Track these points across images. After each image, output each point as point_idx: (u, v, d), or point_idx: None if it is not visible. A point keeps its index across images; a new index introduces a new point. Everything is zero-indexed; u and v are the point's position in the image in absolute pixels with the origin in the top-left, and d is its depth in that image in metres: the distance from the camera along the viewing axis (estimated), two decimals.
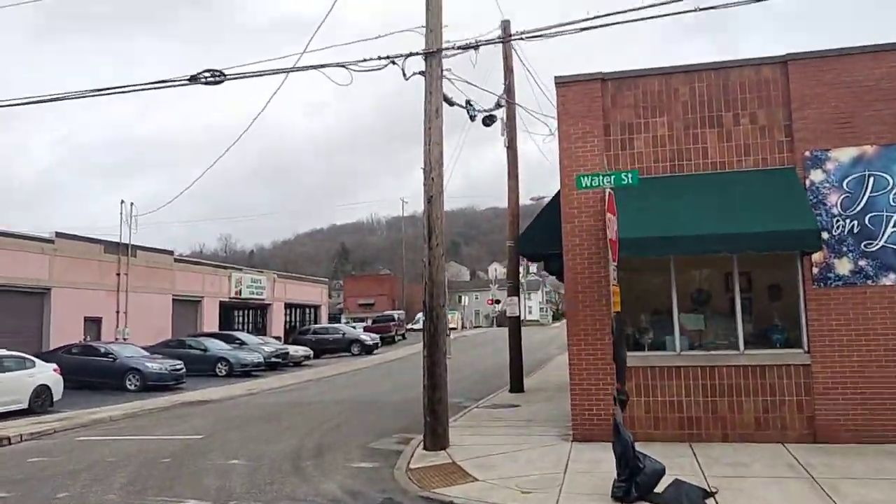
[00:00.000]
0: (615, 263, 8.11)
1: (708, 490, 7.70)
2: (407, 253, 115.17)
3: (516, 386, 17.91)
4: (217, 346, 28.77)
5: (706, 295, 11.28)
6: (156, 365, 23.55)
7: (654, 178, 10.83)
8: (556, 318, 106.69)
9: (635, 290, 11.28)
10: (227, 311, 45.09)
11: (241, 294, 38.19)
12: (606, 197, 8.22)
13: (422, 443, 10.97)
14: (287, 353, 31.94)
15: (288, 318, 48.98)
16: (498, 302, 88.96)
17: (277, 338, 39.91)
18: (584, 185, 8.53)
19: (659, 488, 7.55)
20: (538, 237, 12.79)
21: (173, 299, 33.08)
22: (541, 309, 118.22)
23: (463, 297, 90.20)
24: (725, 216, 10.15)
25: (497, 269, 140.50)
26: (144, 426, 15.33)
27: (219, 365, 27.93)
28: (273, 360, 30.58)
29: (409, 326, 67.54)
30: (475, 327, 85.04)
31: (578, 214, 11.14)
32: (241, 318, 46.76)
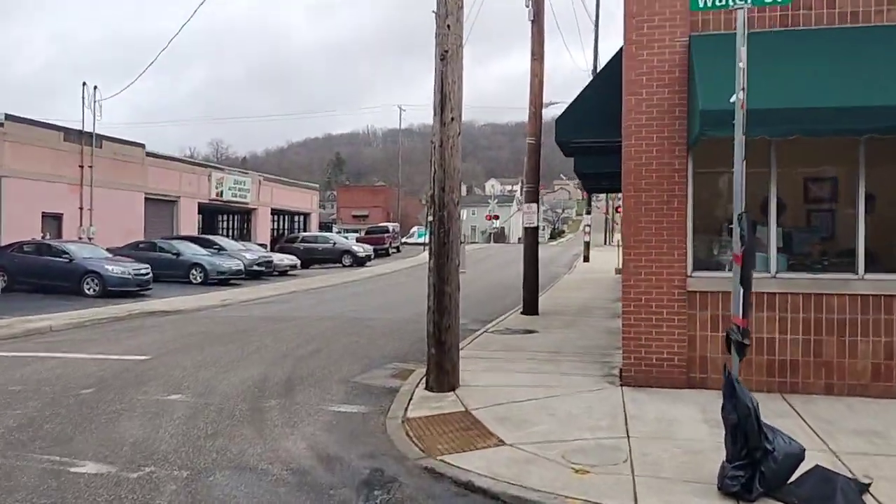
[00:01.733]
0: (742, 133, 5.19)
1: (859, 480, 5.10)
2: (403, 165, 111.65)
3: (530, 307, 15.31)
4: (192, 251, 26.03)
5: (818, 196, 8.46)
6: (118, 268, 20.83)
7: (758, 33, 7.76)
8: (552, 236, 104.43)
9: (713, 190, 8.45)
10: (209, 215, 42.24)
11: (222, 196, 35.17)
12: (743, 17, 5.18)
13: (423, 380, 8.36)
14: (271, 261, 29.27)
15: (275, 226, 46.22)
16: (497, 217, 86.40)
17: (263, 245, 37.19)
18: (700, 3, 5.48)
19: (792, 478, 4.93)
20: (583, 121, 9.79)
21: (146, 198, 30.08)
22: (538, 226, 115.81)
23: (462, 212, 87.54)
24: (858, 84, 7.18)
25: (495, 186, 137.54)
26: (84, 341, 12.70)
27: (193, 271, 25.30)
28: (255, 268, 27.96)
29: (404, 240, 65.15)
30: (471, 243, 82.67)
31: (648, 84, 8.12)
32: (223, 224, 43.95)
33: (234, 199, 36.38)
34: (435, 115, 8.16)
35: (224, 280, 25.68)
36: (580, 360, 9.87)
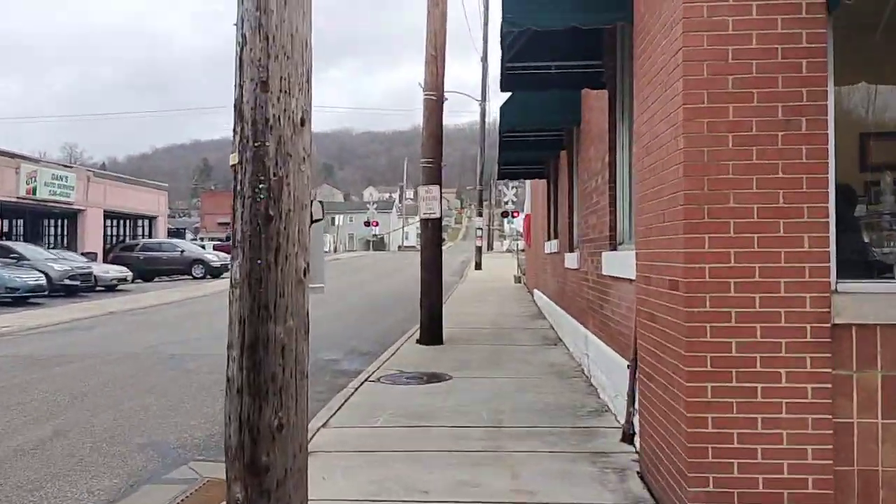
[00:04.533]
0: None
1: None
2: None
3: (431, 334, 10.74)
4: None
5: None
6: None
7: None
8: None
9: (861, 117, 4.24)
10: (28, 219, 34.73)
11: (35, 193, 28.11)
12: None
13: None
14: (90, 273, 22.96)
15: (113, 232, 39.06)
16: (377, 224, 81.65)
17: (91, 254, 30.40)
18: None
19: None
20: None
21: None
22: (417, 235, 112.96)
23: (336, 219, 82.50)
24: None
25: (373, 193, 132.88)
26: None
27: None
28: (67, 282, 21.70)
29: None
30: (348, 251, 77.58)
31: None
32: (48, 229, 36.41)
33: (53, 197, 29.31)
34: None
35: (19, 299, 19.36)
36: (549, 448, 5.36)
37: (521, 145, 10.94)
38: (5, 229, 34.05)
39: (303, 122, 3.49)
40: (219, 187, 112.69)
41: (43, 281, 19.93)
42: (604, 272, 6.73)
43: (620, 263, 6.04)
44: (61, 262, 22.42)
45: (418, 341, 10.87)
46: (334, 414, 6.38)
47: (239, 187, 3.39)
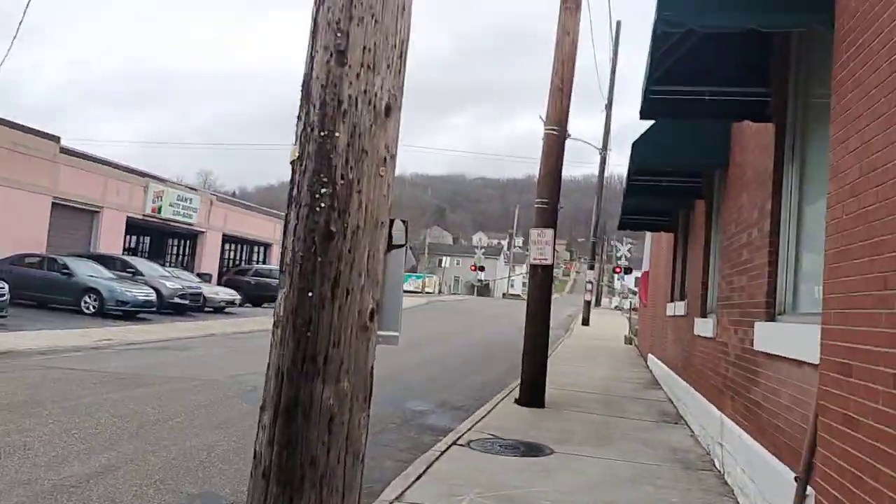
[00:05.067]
0: None
1: None
2: (391, 212, 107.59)
3: (532, 395, 9.57)
4: (90, 272, 20.12)
5: None
6: None
7: None
8: None
9: None
10: (153, 237, 36.39)
11: (160, 212, 29.31)
12: None
13: None
14: (199, 294, 23.31)
15: (231, 256, 40.35)
16: (482, 269, 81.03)
17: (206, 275, 31.28)
18: None
19: None
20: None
21: (54, 203, 24.21)
22: (523, 283, 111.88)
23: (444, 260, 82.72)
24: None
25: (482, 238, 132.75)
26: None
27: (86, 298, 19.36)
28: (177, 300, 22.07)
29: None
30: (453, 293, 77.20)
31: None
32: (171, 248, 38.02)
33: (176, 217, 30.48)
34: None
35: (129, 313, 19.76)
36: None
37: (649, 191, 9.73)
38: (132, 245, 35.78)
39: (388, 111, 2.56)
40: None
41: (153, 297, 20.28)
42: (755, 347, 5.42)
43: (783, 339, 4.74)
44: (174, 281, 22.90)
45: (517, 401, 9.72)
46: (411, 485, 5.37)
47: (295, 191, 2.50)
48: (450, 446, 6.86)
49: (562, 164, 9.95)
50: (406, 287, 49.76)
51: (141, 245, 38.36)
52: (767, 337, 5.16)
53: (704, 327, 8.25)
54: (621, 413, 9.68)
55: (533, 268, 9.91)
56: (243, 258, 40.80)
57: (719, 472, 6.56)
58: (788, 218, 5.32)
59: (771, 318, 5.29)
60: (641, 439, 7.87)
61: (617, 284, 77.33)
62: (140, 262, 23.90)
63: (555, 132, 9.70)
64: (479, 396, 10.88)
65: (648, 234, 20.51)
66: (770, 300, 5.31)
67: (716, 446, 6.90)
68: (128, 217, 27.70)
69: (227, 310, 25.41)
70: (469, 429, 7.82)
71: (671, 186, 9.43)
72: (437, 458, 6.34)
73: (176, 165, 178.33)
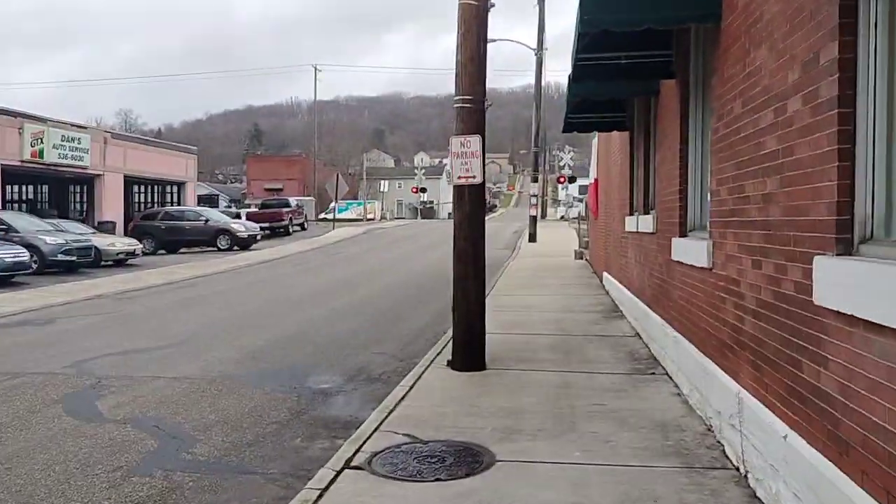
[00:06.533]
0: None
1: None
2: (325, 136, 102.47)
3: (468, 355, 7.32)
4: None
5: None
6: None
7: None
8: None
9: None
10: (43, 184, 32.49)
11: (42, 156, 25.53)
12: None
13: None
14: (89, 247, 20.22)
15: (142, 199, 36.69)
16: (424, 190, 78.20)
17: (109, 223, 27.94)
18: None
19: None
20: None
21: None
22: (483, 182, 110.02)
23: (384, 184, 79.52)
24: None
25: (423, 159, 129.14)
26: None
27: None
28: (61, 258, 19.02)
29: (322, 215, 56.36)
30: (397, 218, 74.48)
31: None
32: (69, 196, 34.12)
33: (63, 161, 26.67)
34: None
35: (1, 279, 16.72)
36: None
37: (602, 73, 7.29)
38: (15, 197, 31.74)
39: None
40: (268, 152, 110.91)
41: (25, 258, 17.18)
42: (817, 300, 3.18)
43: (879, 290, 2.49)
44: (56, 235, 19.73)
45: (450, 363, 7.47)
46: None
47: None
48: (340, 471, 4.55)
49: (486, 48, 7.39)
50: (346, 215, 46.48)
51: (40, 196, 34.43)
52: (845, 285, 2.91)
53: (689, 252, 6.03)
54: (583, 364, 7.55)
55: (458, 189, 7.46)
56: (157, 201, 37.19)
57: (735, 468, 4.48)
58: (868, 72, 2.99)
59: (847, 250, 3.03)
60: (615, 414, 5.72)
61: (561, 194, 75.79)
62: (14, 217, 20.56)
63: (474, 2, 7.08)
64: (406, 355, 8.66)
65: (595, 138, 18.22)
66: (844, 220, 3.03)
67: (726, 427, 4.78)
68: (2, 165, 23.96)
69: (128, 262, 22.42)
70: (380, 423, 5.54)
71: (631, 65, 7.01)
72: (316, 500, 4.04)
73: (93, 108, 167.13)
